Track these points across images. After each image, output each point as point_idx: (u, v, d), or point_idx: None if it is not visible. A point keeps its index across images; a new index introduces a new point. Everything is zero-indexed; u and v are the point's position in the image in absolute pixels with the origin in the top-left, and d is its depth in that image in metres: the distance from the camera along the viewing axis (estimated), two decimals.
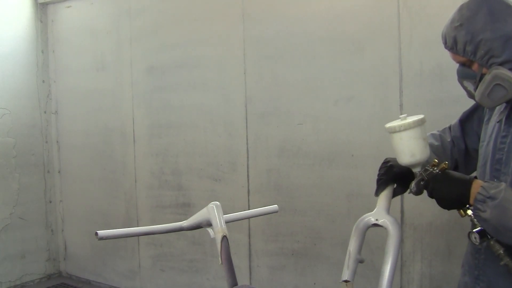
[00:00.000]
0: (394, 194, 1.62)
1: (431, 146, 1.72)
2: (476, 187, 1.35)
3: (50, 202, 4.46)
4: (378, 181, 1.65)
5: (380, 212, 1.51)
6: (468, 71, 1.48)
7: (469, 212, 1.38)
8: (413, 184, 1.46)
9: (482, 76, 1.44)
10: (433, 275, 2.57)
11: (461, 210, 1.40)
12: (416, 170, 1.50)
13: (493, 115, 1.59)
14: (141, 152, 3.82)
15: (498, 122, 1.52)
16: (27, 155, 4.29)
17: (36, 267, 4.35)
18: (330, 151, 2.87)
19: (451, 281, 2.49)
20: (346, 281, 1.41)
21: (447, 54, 1.55)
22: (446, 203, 1.41)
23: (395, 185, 1.62)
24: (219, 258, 1.39)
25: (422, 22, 2.52)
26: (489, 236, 1.36)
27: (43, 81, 4.40)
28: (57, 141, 4.45)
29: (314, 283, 2.98)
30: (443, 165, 1.42)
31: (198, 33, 3.41)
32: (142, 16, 3.74)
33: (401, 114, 1.54)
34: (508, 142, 1.45)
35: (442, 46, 1.55)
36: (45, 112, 4.41)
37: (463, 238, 1.62)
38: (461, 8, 1.46)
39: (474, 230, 1.38)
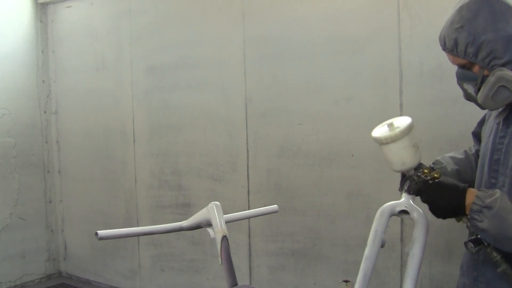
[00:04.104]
0: None
1: (454, 158, 1.73)
2: (471, 197, 1.35)
3: (50, 202, 4.46)
4: (405, 175, 1.65)
5: (407, 201, 1.50)
6: (468, 73, 1.47)
7: (465, 218, 1.38)
8: (406, 186, 1.46)
9: (483, 78, 1.42)
10: (433, 275, 2.57)
11: (457, 218, 1.40)
12: (408, 174, 1.49)
13: (491, 116, 1.59)
14: (141, 152, 3.82)
15: (497, 123, 1.51)
16: (27, 155, 4.29)
17: (36, 267, 4.35)
18: (330, 151, 2.87)
19: (451, 281, 2.48)
20: (346, 281, 1.42)
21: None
22: (440, 212, 1.41)
23: None
24: (219, 258, 1.39)
25: (422, 22, 2.52)
26: (485, 244, 1.36)
27: (43, 81, 4.40)
28: (57, 141, 4.46)
29: (314, 283, 2.98)
30: (434, 174, 1.41)
31: (198, 33, 3.41)
32: (142, 16, 3.74)
33: (390, 119, 1.50)
34: (506, 142, 1.45)
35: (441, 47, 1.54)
36: (45, 112, 4.41)
37: (463, 238, 1.62)
38: (460, 9, 1.44)
39: (469, 240, 1.38)
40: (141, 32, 3.75)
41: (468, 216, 1.36)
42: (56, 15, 4.36)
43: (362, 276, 1.42)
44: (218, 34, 3.31)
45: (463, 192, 1.36)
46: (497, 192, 1.33)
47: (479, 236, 1.37)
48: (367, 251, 1.44)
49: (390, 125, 1.45)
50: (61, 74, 4.38)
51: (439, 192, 1.39)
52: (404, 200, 1.50)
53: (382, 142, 1.43)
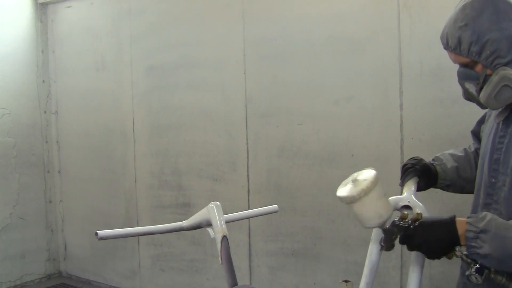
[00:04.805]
0: (417, 188, 1.59)
1: (454, 156, 1.72)
2: (462, 226, 1.29)
3: (50, 202, 4.46)
4: (406, 170, 1.63)
5: (409, 196, 1.48)
6: (471, 72, 1.46)
7: (458, 253, 1.31)
8: (382, 242, 1.37)
9: (486, 77, 1.41)
10: (433, 275, 2.56)
11: (448, 254, 1.32)
12: (384, 227, 1.36)
13: (491, 115, 1.58)
14: (141, 152, 3.82)
15: (497, 123, 1.51)
16: (27, 155, 4.28)
17: (36, 267, 4.35)
18: (330, 151, 2.87)
19: (451, 281, 2.48)
20: (346, 281, 1.41)
21: (447, 54, 1.53)
22: (435, 252, 1.32)
23: (418, 180, 1.61)
24: (219, 258, 1.39)
25: (422, 22, 2.52)
26: (486, 270, 1.29)
27: (43, 81, 4.40)
28: (57, 141, 4.45)
29: (314, 283, 2.98)
30: (416, 216, 1.32)
31: (198, 33, 3.41)
32: (142, 16, 3.74)
33: (350, 176, 1.37)
34: (506, 142, 1.44)
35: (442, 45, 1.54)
36: (45, 112, 4.41)
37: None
38: (464, 7, 1.43)
39: (472, 271, 1.29)
40: (141, 32, 3.75)
41: (464, 247, 1.29)
42: (56, 15, 4.36)
43: (368, 270, 1.41)
44: (218, 34, 3.31)
45: (452, 223, 1.30)
46: (488, 214, 1.29)
47: (479, 264, 1.29)
48: (371, 246, 1.44)
49: (355, 181, 1.33)
50: (61, 74, 4.38)
51: (428, 231, 1.31)
52: (407, 195, 1.49)
53: (355, 198, 1.29)
